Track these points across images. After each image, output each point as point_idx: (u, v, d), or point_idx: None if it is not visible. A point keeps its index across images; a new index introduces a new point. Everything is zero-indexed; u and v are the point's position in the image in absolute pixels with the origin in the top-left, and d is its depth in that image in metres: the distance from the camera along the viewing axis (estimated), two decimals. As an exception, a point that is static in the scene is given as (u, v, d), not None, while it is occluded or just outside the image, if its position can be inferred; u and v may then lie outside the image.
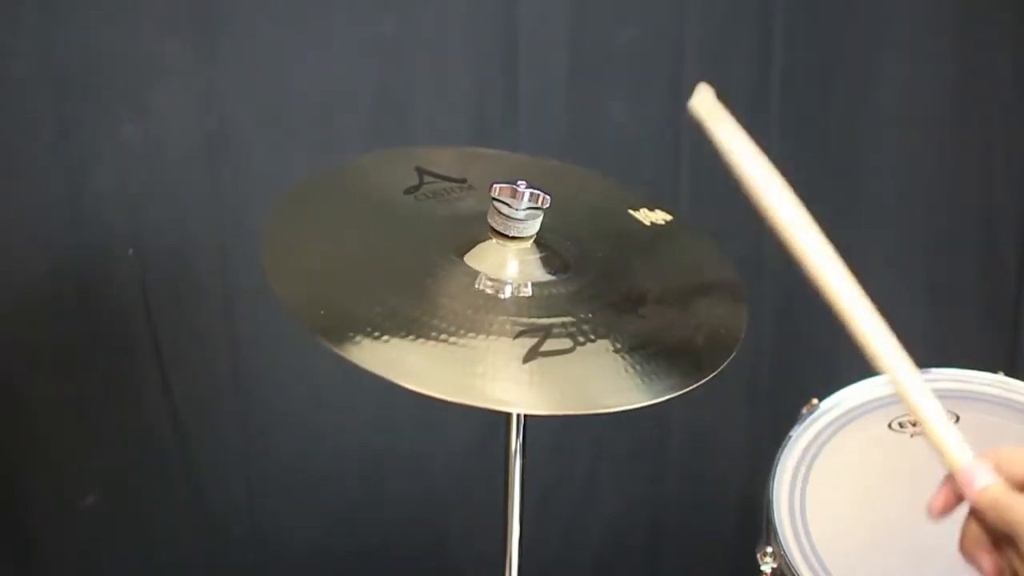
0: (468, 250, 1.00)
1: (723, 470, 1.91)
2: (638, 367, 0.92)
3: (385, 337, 0.88)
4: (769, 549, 1.20)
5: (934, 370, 1.36)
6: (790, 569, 1.15)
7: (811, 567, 1.15)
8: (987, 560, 0.73)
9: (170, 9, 1.47)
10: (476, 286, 0.97)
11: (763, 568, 1.21)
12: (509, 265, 0.99)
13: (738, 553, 1.36)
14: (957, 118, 1.86)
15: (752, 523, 1.27)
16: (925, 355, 1.38)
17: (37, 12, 1.42)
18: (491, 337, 0.91)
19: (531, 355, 0.90)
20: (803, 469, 1.25)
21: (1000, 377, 1.35)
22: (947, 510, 0.75)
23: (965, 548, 0.74)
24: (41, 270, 1.53)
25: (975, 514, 0.74)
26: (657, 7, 1.69)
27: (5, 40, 1.42)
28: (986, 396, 1.33)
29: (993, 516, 0.72)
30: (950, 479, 0.75)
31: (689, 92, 0.88)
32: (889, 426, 1.30)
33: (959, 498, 0.75)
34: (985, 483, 0.73)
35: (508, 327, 0.92)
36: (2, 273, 1.51)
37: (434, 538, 1.82)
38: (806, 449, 1.27)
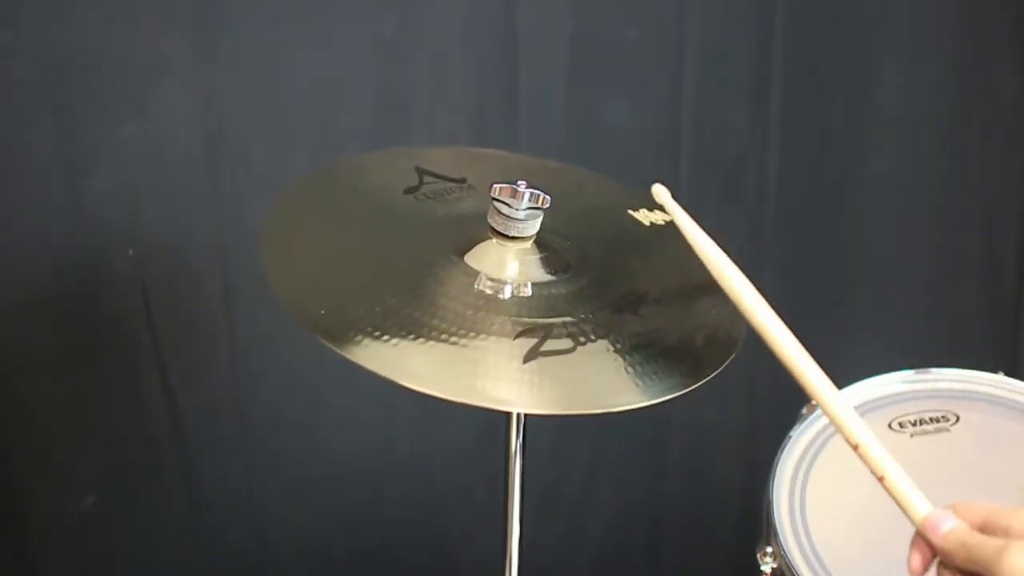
0: (468, 250, 1.00)
1: (723, 470, 1.91)
2: (638, 367, 0.92)
3: (386, 337, 0.88)
4: (769, 549, 1.20)
5: (934, 370, 1.36)
6: (790, 569, 1.15)
7: (811, 567, 1.15)
8: None
9: (170, 9, 1.47)
10: (476, 286, 0.97)
11: (763, 568, 1.21)
12: (509, 265, 0.99)
13: (738, 553, 1.36)
14: (957, 118, 1.86)
15: (752, 523, 1.27)
16: (925, 355, 1.39)
17: (37, 12, 1.41)
18: (491, 337, 0.91)
19: (531, 355, 0.89)
20: (803, 469, 1.25)
21: (1000, 377, 1.35)
22: (926, 565, 0.77)
23: None
24: (41, 270, 1.52)
25: (944, 560, 0.76)
26: (657, 7, 1.69)
27: (5, 40, 1.42)
28: (986, 396, 1.33)
29: (963, 556, 0.74)
30: (918, 535, 0.77)
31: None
32: (889, 426, 1.30)
33: (933, 552, 0.76)
34: (950, 527, 0.75)
35: (508, 327, 0.92)
36: (2, 273, 1.51)
37: (434, 538, 1.82)
38: (806, 449, 1.27)
